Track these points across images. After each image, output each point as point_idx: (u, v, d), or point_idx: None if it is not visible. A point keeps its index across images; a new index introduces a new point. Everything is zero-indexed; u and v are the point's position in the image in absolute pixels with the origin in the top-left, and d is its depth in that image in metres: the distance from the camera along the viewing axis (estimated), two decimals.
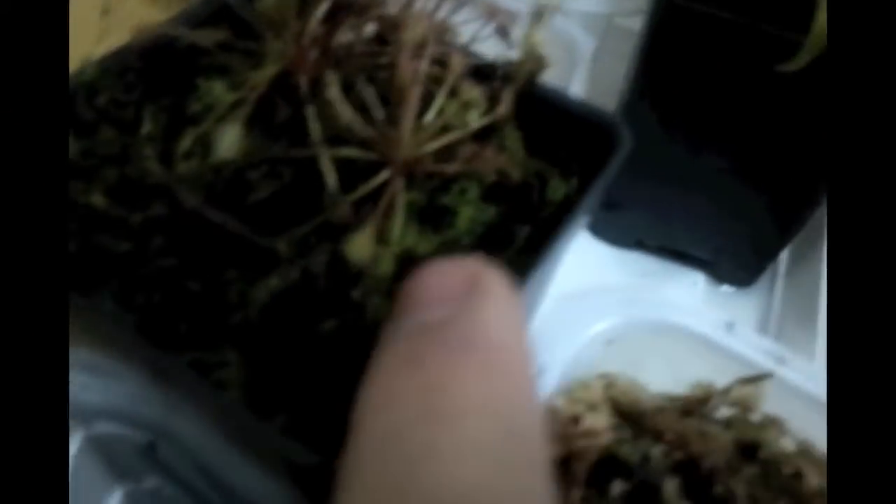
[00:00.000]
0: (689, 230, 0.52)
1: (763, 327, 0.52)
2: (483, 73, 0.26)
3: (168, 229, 0.22)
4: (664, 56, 0.43)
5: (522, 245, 0.25)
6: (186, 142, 0.22)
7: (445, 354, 0.17)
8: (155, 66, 0.25)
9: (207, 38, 0.23)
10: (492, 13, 0.26)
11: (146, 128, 0.23)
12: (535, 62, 0.26)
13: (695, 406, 0.33)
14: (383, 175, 0.23)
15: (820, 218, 0.52)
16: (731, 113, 0.44)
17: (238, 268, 0.22)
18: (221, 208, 0.22)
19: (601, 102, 0.54)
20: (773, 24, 0.37)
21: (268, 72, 0.22)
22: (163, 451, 0.27)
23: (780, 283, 0.54)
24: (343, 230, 0.23)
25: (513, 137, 0.26)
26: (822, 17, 0.35)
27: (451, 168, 0.24)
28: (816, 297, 0.48)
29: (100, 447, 0.30)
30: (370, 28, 0.23)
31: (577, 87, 0.51)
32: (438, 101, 0.24)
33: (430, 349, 0.17)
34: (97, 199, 0.21)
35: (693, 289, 0.52)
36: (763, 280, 0.55)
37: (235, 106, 0.22)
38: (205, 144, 0.23)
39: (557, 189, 0.26)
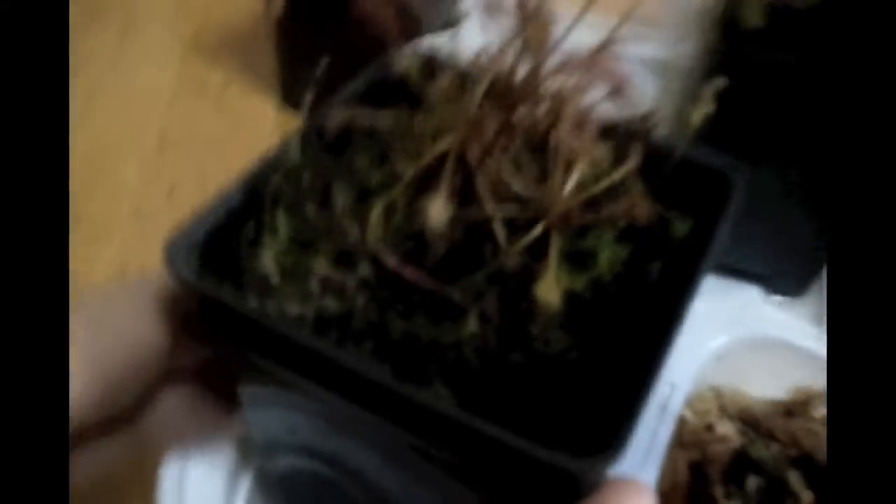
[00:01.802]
0: (747, 249, 0.56)
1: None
2: (606, 130, 0.30)
3: (373, 287, 0.26)
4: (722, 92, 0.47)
5: (657, 279, 0.29)
6: (377, 210, 0.26)
7: None
8: (335, 143, 0.29)
9: (389, 118, 0.27)
10: (610, 78, 0.30)
11: (339, 202, 0.27)
12: (653, 119, 0.30)
13: (797, 408, 0.37)
14: (539, 227, 0.27)
15: None
16: (780, 143, 0.48)
17: (428, 315, 0.26)
18: (412, 265, 0.26)
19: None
20: (817, 66, 0.41)
21: (444, 145, 0.26)
22: (350, 489, 0.31)
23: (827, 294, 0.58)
24: (510, 277, 0.27)
25: (637, 186, 0.30)
26: None
27: (598, 218, 0.27)
28: None
29: (280, 481, 0.34)
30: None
31: None
32: (580, 163, 0.28)
33: None
34: (321, 267, 0.25)
35: (754, 300, 0.56)
36: (812, 289, 0.59)
37: (427, 177, 0.25)
38: (390, 211, 0.27)
39: (680, 228, 0.30)
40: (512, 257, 0.26)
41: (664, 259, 0.29)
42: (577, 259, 0.29)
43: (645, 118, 0.30)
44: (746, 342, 0.38)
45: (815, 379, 0.38)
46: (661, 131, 0.31)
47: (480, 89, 0.27)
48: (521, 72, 0.28)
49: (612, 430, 0.22)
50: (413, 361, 0.25)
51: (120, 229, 0.67)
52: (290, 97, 0.75)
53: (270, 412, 0.31)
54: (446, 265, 0.27)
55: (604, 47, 0.28)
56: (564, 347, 0.25)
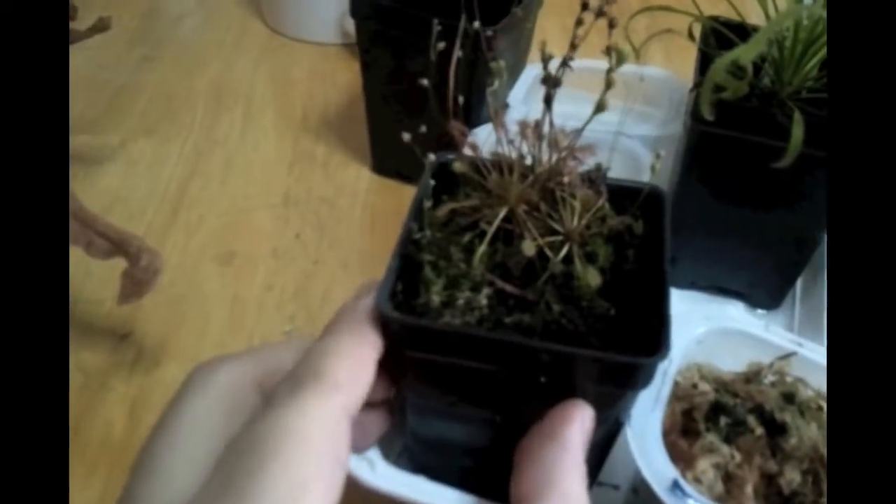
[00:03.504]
0: (730, 272, 0.77)
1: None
2: (583, 178, 0.50)
3: (491, 299, 0.44)
4: (698, 158, 0.70)
5: (633, 258, 0.48)
6: (481, 251, 0.45)
7: None
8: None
9: (468, 202, 0.45)
10: (583, 153, 0.49)
11: (455, 257, 0.45)
12: (604, 168, 0.49)
13: (752, 376, 0.59)
14: (566, 246, 0.46)
15: (819, 255, 0.77)
16: (748, 190, 0.71)
17: (520, 309, 0.44)
18: (506, 282, 0.44)
19: None
20: (768, 137, 0.63)
21: (502, 212, 0.45)
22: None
23: (797, 306, 0.81)
24: (559, 277, 0.46)
25: (608, 209, 0.50)
26: (796, 132, 0.60)
27: (594, 233, 0.47)
28: (821, 312, 0.74)
29: (427, 440, 0.51)
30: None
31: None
32: (577, 203, 0.47)
33: None
34: (463, 295, 0.43)
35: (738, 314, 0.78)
36: (785, 302, 0.81)
37: (498, 231, 0.44)
38: (483, 255, 0.45)
39: (638, 228, 0.49)
40: (556, 266, 0.45)
41: (634, 248, 0.49)
42: (587, 259, 0.48)
43: (599, 168, 0.50)
44: (718, 331, 0.59)
45: (763, 356, 0.60)
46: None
47: (517, 174, 0.46)
48: (544, 158, 0.47)
49: (653, 345, 0.41)
50: (521, 334, 0.44)
51: (263, 263, 0.90)
52: (378, 166, 1.02)
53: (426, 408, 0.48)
54: (522, 278, 0.46)
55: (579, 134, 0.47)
56: (606, 307, 0.44)
